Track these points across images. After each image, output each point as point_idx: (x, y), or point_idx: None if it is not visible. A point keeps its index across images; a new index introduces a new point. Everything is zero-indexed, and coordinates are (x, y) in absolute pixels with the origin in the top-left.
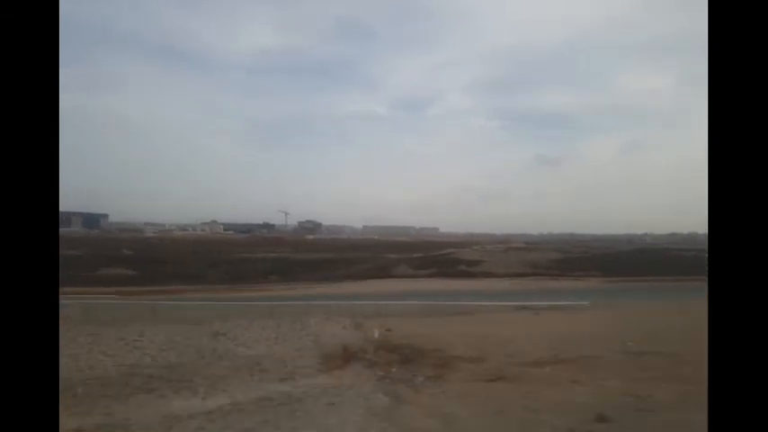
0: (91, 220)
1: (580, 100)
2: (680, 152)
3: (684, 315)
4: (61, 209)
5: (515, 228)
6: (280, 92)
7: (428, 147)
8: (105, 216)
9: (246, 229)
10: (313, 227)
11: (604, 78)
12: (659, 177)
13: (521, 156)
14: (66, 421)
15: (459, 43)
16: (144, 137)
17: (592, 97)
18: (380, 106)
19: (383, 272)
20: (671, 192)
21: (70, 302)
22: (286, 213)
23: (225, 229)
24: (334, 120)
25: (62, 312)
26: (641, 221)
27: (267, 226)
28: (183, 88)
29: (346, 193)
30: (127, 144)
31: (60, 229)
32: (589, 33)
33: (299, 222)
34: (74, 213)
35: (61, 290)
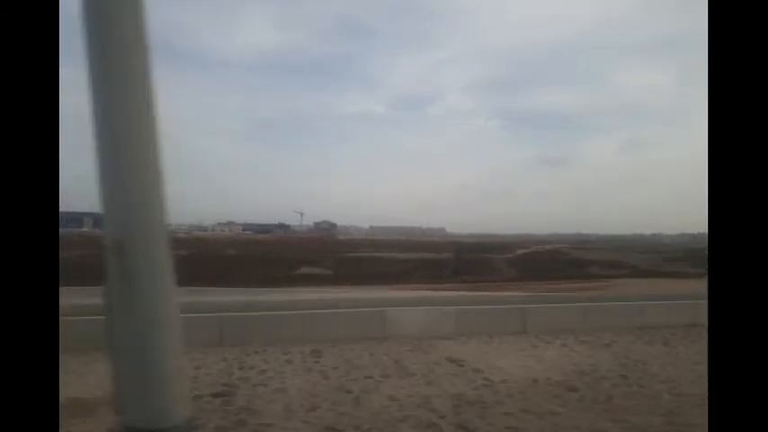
0: (101, 220)
1: (582, 99)
2: (682, 151)
3: None
4: (69, 209)
5: (518, 227)
6: (280, 91)
7: (429, 146)
8: None
9: (264, 229)
10: (329, 227)
11: (606, 77)
12: (661, 176)
13: (523, 155)
14: None
15: (460, 42)
16: None
17: (594, 96)
18: (381, 105)
19: (573, 272)
20: (672, 191)
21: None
22: (301, 213)
23: (243, 230)
24: (335, 119)
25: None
26: (641, 221)
27: (283, 226)
28: (182, 87)
29: (349, 193)
30: None
31: (74, 230)
32: (591, 32)
33: (315, 223)
34: (85, 214)
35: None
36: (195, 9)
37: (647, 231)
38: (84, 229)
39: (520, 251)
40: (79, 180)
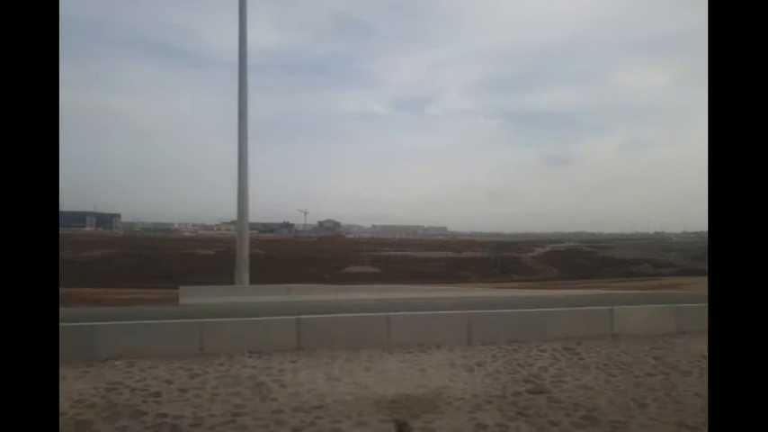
0: (104, 219)
1: (583, 98)
2: (683, 150)
3: None
4: (72, 209)
5: (520, 227)
6: (279, 90)
7: (429, 145)
8: (118, 216)
9: (268, 228)
10: (332, 226)
11: (607, 76)
12: (662, 175)
13: (523, 154)
14: None
15: (460, 41)
16: (143, 137)
17: (595, 95)
18: (381, 105)
19: (624, 271)
20: (672, 190)
21: None
22: (305, 212)
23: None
24: (335, 118)
25: None
26: (642, 220)
27: (287, 225)
28: (182, 87)
29: (350, 192)
30: (127, 144)
31: (78, 229)
32: (591, 31)
33: (319, 222)
34: (88, 213)
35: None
36: (195, 9)
37: (649, 230)
38: (87, 229)
39: (539, 250)
40: (82, 179)
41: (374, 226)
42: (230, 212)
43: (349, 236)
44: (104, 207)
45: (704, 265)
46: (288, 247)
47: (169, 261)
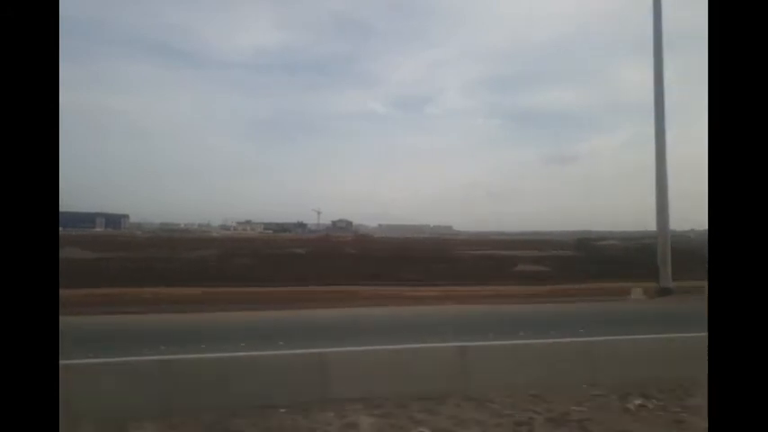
0: (113, 220)
1: (584, 97)
2: (686, 148)
3: None
4: (76, 209)
5: (523, 226)
6: (280, 90)
7: (430, 145)
8: (126, 216)
9: (283, 228)
10: (346, 225)
11: (608, 74)
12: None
13: (525, 153)
14: None
15: (460, 40)
16: (143, 137)
17: (596, 94)
18: (382, 105)
19: None
20: (676, 188)
21: None
22: (318, 212)
23: (264, 229)
24: (335, 118)
25: None
26: (645, 219)
27: (301, 225)
28: (182, 87)
29: (353, 192)
30: (127, 144)
31: (89, 230)
32: (591, 30)
33: (333, 221)
34: (98, 214)
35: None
36: (195, 9)
37: (654, 229)
38: (98, 230)
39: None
40: (83, 179)
41: (380, 225)
42: (235, 212)
43: (376, 236)
44: (107, 207)
45: None
46: (350, 247)
47: (302, 261)
